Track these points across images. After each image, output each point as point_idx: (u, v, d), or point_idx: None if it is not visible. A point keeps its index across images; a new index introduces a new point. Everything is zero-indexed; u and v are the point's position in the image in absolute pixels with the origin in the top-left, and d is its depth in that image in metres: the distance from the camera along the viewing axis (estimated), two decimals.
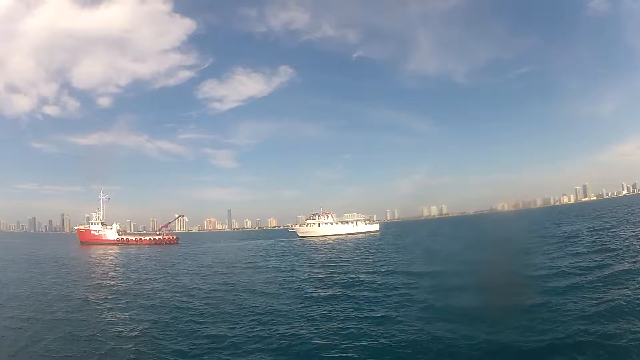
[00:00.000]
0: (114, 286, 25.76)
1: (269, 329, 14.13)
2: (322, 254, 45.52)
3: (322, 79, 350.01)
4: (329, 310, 16.47)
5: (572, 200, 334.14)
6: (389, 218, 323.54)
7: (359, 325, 13.91)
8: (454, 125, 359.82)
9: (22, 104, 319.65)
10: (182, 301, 19.67)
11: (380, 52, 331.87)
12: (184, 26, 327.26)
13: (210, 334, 13.88)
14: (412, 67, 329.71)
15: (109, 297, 21.72)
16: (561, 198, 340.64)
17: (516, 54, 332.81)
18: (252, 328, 14.39)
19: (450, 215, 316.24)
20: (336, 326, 14.09)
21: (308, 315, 15.91)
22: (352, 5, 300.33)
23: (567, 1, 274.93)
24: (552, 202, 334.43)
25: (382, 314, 15.32)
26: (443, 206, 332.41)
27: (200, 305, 18.43)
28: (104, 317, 16.77)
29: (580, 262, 22.14)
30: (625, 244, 26.87)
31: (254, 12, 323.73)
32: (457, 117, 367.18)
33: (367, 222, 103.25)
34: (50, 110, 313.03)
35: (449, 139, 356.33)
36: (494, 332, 11.95)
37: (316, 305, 17.63)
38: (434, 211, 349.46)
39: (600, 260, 21.63)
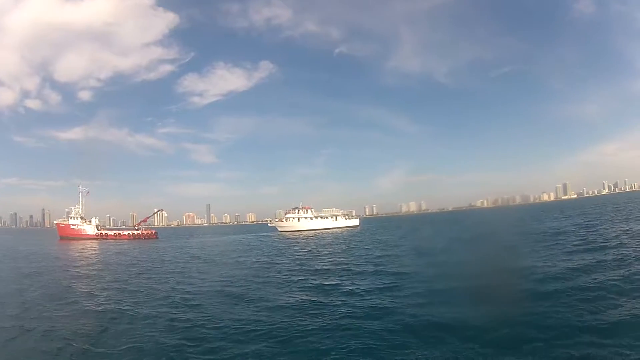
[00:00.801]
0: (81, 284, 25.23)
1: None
2: (301, 248, 46.48)
3: (303, 75, 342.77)
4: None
5: (552, 198, 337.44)
6: (367, 214, 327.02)
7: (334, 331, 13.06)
8: (435, 124, 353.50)
9: (5, 97, 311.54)
10: (144, 302, 18.44)
11: (363, 49, 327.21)
12: (166, 20, 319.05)
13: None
14: (394, 64, 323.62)
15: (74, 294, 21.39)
16: (541, 196, 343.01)
17: (499, 53, 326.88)
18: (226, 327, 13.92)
19: (429, 211, 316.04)
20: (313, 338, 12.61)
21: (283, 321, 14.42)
22: (335, 2, 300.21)
23: (552, 3, 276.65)
24: (531, 199, 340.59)
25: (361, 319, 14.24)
26: (422, 203, 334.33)
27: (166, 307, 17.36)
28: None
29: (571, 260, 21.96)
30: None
31: (237, 7, 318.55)
32: (439, 116, 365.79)
33: (347, 217, 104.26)
34: (32, 104, 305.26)
35: (429, 137, 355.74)
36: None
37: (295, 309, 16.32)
38: (412, 207, 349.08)
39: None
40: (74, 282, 25.62)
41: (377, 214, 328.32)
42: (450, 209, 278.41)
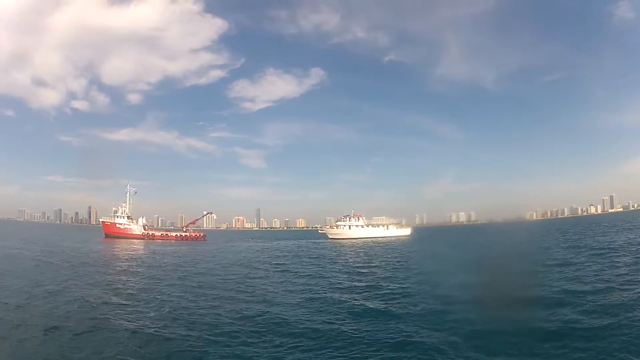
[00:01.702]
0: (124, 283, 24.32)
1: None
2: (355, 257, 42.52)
3: (352, 82, 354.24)
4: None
5: (599, 211, 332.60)
6: (417, 223, 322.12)
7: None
8: (481, 132, 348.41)
9: (50, 97, 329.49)
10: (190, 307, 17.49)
11: (411, 56, 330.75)
12: (215, 26, 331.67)
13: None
14: (442, 71, 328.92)
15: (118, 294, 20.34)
16: (589, 208, 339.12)
17: (544, 60, 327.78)
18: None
19: (478, 222, 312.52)
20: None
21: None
22: (382, 8, 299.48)
23: (593, 7, 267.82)
24: (579, 212, 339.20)
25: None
26: (472, 213, 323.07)
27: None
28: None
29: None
30: None
31: (285, 13, 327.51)
32: (485, 123, 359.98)
33: (398, 226, 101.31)
34: (79, 104, 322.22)
35: (476, 144, 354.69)
36: None
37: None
38: (462, 217, 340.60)
39: None
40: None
41: (427, 224, 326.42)
42: (499, 220, 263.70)
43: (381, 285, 23.09)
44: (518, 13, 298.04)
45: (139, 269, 32.01)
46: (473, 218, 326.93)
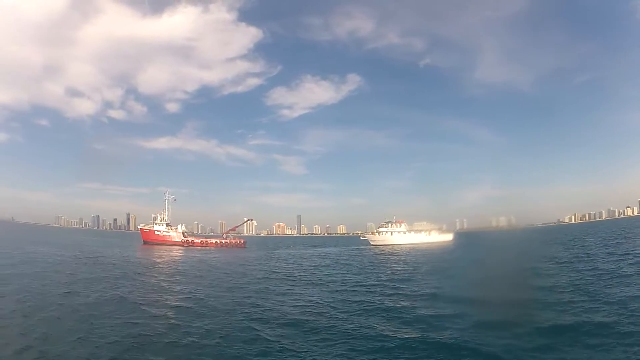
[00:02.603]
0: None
1: None
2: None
3: (390, 88, 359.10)
4: None
5: (636, 213, 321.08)
6: (458, 228, 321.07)
7: None
8: (520, 134, 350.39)
9: (85, 107, 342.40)
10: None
11: (446, 60, 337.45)
12: (249, 35, 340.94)
13: None
14: (478, 75, 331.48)
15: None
16: (625, 210, 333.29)
17: (578, 61, 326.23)
18: None
19: (519, 227, 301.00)
20: None
21: None
22: (416, 13, 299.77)
23: (622, 6, 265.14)
24: (616, 214, 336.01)
25: None
26: (511, 217, 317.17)
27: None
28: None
29: None
30: None
31: (319, 20, 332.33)
32: (523, 126, 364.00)
33: (440, 231, 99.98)
34: (116, 114, 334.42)
35: (515, 148, 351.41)
36: None
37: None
38: (502, 222, 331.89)
39: None
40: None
41: (468, 229, 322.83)
42: (539, 224, 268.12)
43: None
44: (549, 13, 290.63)
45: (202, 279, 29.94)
46: (513, 222, 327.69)
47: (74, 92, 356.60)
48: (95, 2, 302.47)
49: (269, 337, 13.90)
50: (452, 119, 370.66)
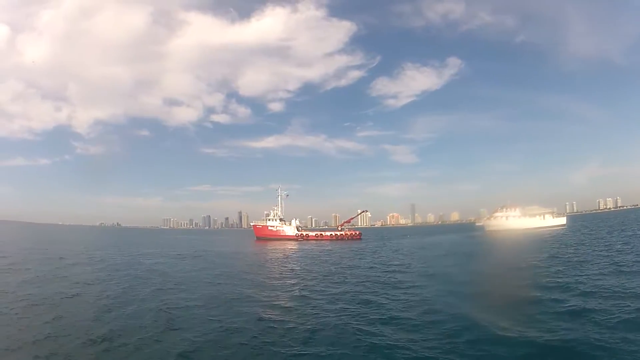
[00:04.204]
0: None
1: None
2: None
3: (489, 68, 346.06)
4: None
5: None
6: (567, 211, 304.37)
7: None
8: (620, 108, 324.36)
9: (186, 114, 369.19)
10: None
11: (539, 35, 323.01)
12: (343, 29, 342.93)
13: None
14: (571, 49, 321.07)
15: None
16: None
17: None
18: None
19: (624, 207, 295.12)
20: None
21: None
22: None
23: None
24: None
25: None
26: (618, 198, 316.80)
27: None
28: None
29: None
30: None
31: (409, 7, 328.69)
32: (620, 99, 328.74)
33: (553, 215, 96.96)
34: (220, 118, 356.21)
35: (617, 123, 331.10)
36: None
37: None
38: (609, 204, 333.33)
39: None
40: None
41: (577, 212, 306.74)
42: None
43: None
44: None
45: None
46: (619, 203, 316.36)
47: (172, 102, 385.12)
48: (178, 16, 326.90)
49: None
50: (553, 95, 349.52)
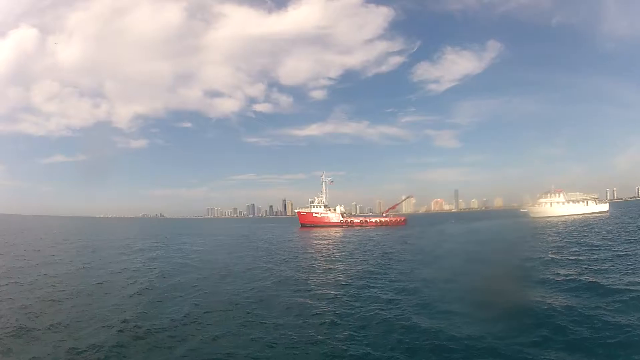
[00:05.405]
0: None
1: None
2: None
3: (528, 50, 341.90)
4: None
5: None
6: (608, 197, 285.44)
7: None
8: None
9: (228, 105, 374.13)
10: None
11: (575, 15, 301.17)
12: (381, 14, 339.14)
13: None
14: (606, 28, 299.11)
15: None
16: None
17: None
18: None
19: None
20: None
21: None
22: None
23: None
24: None
25: None
26: None
27: None
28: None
29: None
30: None
31: None
32: None
33: (597, 201, 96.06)
34: (262, 107, 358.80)
35: None
36: None
37: None
38: None
39: None
40: None
41: (618, 198, 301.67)
42: None
43: None
44: None
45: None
46: None
47: (213, 93, 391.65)
48: (213, 9, 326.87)
49: None
50: (595, 78, 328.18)
